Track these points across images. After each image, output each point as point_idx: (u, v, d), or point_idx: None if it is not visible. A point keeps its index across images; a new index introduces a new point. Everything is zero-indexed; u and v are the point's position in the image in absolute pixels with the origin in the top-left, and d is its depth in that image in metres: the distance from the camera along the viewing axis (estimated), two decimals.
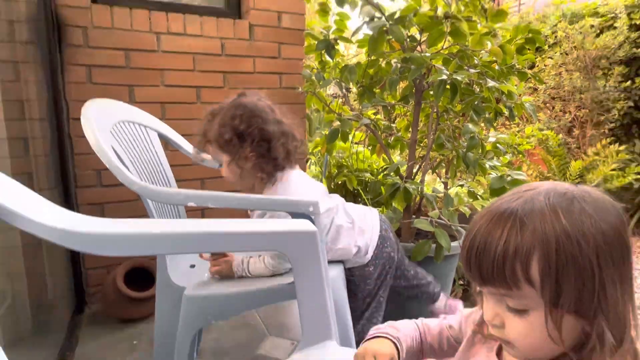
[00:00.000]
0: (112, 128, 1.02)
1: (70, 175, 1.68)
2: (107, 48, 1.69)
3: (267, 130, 1.05)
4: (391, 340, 0.62)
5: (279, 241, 0.62)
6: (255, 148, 1.05)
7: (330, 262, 1.13)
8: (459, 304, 1.49)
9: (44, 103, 1.59)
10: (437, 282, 1.45)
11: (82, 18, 1.63)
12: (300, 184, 1.13)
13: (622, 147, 3.30)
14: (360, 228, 1.19)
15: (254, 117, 1.05)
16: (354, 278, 1.21)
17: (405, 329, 0.66)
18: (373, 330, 0.65)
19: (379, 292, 1.24)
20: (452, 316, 0.71)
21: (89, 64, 1.67)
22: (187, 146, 1.33)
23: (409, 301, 1.45)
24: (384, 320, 1.23)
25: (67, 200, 1.67)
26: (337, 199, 1.25)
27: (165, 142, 1.33)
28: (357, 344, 0.65)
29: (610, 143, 3.34)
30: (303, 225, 0.65)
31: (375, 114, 2.32)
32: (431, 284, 1.44)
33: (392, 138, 1.95)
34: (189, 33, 1.82)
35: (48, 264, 1.54)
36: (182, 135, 1.38)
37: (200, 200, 0.82)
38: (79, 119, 0.96)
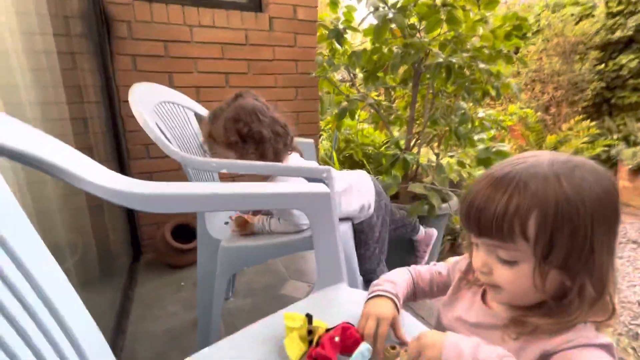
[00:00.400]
0: (155, 108, 1.01)
1: (123, 149, 1.69)
2: (148, 40, 1.64)
3: (265, 132, 1.02)
4: (390, 298, 0.59)
5: (300, 201, 0.61)
6: (257, 148, 1.02)
7: (340, 219, 1.13)
8: (434, 230, 1.53)
9: (97, 88, 1.57)
10: (415, 219, 1.47)
11: (126, 13, 1.58)
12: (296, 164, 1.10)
13: (592, 123, 3.18)
14: (359, 190, 1.18)
15: (254, 120, 1.01)
16: (364, 229, 1.21)
17: (401, 280, 0.64)
18: (373, 287, 0.62)
19: (383, 236, 1.26)
20: (440, 263, 0.69)
21: (134, 53, 1.63)
22: None
23: (399, 244, 1.48)
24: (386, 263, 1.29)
25: (122, 169, 1.68)
26: (331, 172, 1.22)
27: (200, 120, 1.32)
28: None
29: (582, 120, 3.22)
30: (319, 187, 0.64)
31: (377, 96, 2.26)
32: (411, 223, 1.45)
33: (393, 116, 1.90)
34: (217, 25, 1.76)
35: (109, 222, 1.58)
36: None
37: (231, 167, 0.81)
38: (127, 101, 0.94)
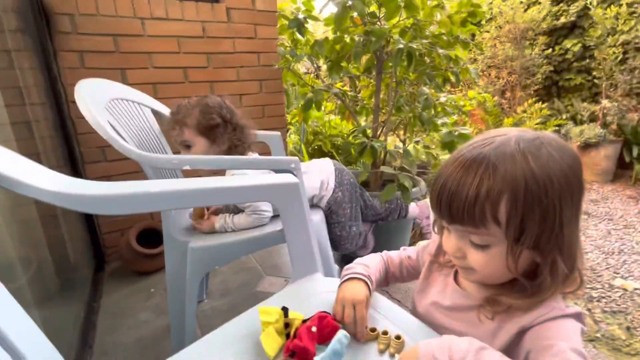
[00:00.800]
0: (107, 105, 0.94)
1: (76, 153, 1.57)
2: (95, 34, 1.53)
3: (241, 123, 1.09)
4: (363, 280, 0.58)
5: (268, 192, 0.59)
6: (233, 135, 1.07)
7: (311, 207, 1.13)
8: (427, 201, 1.51)
9: (42, 89, 1.44)
10: (399, 199, 1.46)
11: (68, 6, 1.46)
12: None
13: (544, 105, 3.38)
14: (317, 170, 1.24)
15: (232, 110, 1.09)
16: (332, 207, 1.23)
17: (373, 264, 0.64)
18: (346, 271, 0.61)
19: (356, 214, 1.28)
20: (410, 248, 0.70)
21: (80, 49, 1.51)
22: None
23: (390, 229, 1.49)
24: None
25: (77, 175, 1.57)
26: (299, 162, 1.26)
27: (160, 117, 1.25)
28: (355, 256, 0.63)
29: (534, 102, 3.41)
30: (287, 178, 0.62)
31: (342, 86, 2.26)
32: (393, 204, 1.45)
33: (359, 106, 1.90)
34: (171, 17, 1.67)
35: (66, 232, 1.47)
36: None
37: (194, 163, 0.77)
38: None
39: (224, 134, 1.05)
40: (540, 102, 3.40)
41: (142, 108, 1.15)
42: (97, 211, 0.44)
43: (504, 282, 0.48)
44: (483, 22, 3.79)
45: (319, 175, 1.21)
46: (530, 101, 3.42)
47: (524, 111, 3.39)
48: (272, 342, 0.52)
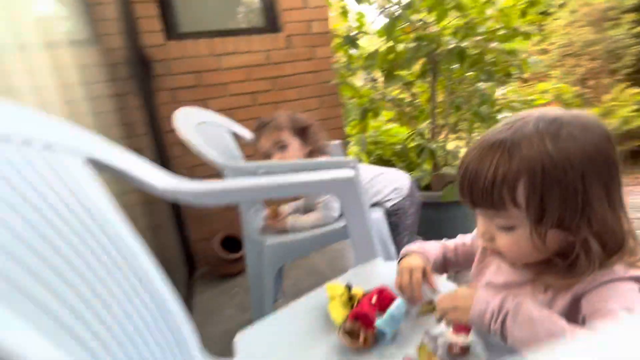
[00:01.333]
0: (195, 127, 1.15)
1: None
2: (182, 73, 1.84)
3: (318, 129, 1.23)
4: (419, 253, 0.63)
5: (329, 185, 0.69)
6: (316, 137, 1.21)
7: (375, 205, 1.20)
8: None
9: (144, 122, 1.77)
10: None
11: (162, 53, 1.79)
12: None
13: (638, 90, 2.97)
14: (392, 177, 1.26)
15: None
16: (398, 213, 1.24)
17: (430, 247, 0.67)
18: (404, 251, 0.67)
19: (414, 227, 1.30)
20: (468, 235, 0.70)
21: (172, 87, 1.83)
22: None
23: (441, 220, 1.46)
24: None
25: None
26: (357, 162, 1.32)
27: (237, 138, 1.45)
28: None
29: (626, 88, 3.02)
30: (345, 172, 0.72)
31: (399, 93, 2.30)
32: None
33: (417, 110, 1.93)
34: (241, 51, 1.92)
35: (165, 241, 1.75)
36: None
37: (272, 168, 0.90)
38: (170, 131, 1.08)
39: (312, 135, 1.19)
40: (634, 87, 3.00)
41: (222, 129, 1.35)
42: (202, 202, 0.58)
43: (542, 262, 0.49)
44: (550, 10, 3.51)
45: (394, 180, 1.25)
46: (620, 87, 3.03)
47: (613, 99, 3.02)
48: (338, 312, 0.60)
